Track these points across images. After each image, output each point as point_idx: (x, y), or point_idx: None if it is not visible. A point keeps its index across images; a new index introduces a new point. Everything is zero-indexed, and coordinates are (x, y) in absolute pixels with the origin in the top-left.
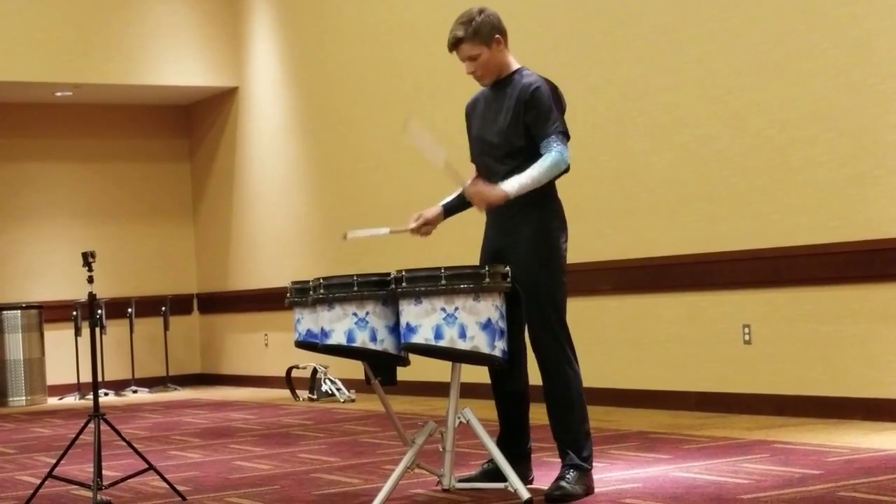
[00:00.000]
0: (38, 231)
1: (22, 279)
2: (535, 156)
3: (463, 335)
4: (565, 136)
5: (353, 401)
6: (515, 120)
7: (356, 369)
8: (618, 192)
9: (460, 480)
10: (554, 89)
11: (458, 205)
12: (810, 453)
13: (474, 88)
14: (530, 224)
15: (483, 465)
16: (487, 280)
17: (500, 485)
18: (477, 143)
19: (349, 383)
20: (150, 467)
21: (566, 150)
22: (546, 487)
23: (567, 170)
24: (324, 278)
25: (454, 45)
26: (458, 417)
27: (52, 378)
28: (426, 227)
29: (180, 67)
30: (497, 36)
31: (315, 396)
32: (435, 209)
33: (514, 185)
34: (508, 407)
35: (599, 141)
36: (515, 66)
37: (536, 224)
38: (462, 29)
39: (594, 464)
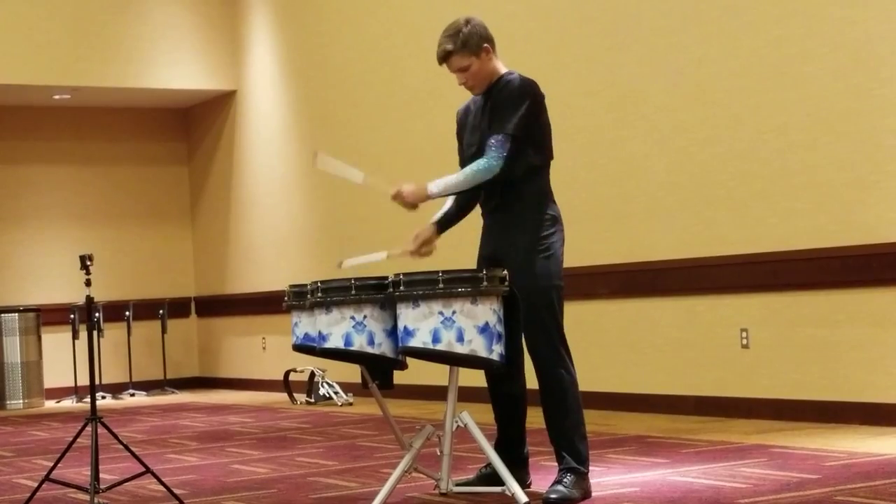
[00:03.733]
0: (35, 234)
1: (20, 282)
2: (522, 151)
3: (461, 339)
4: (511, 138)
5: (350, 404)
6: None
7: (354, 373)
8: (616, 195)
9: (458, 484)
10: (529, 84)
11: (450, 218)
12: (808, 458)
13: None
14: (527, 231)
15: (480, 469)
16: (485, 284)
17: (498, 489)
18: (468, 149)
19: (347, 387)
20: (148, 471)
21: (500, 157)
22: (543, 491)
23: (496, 175)
24: (321, 282)
25: (444, 58)
26: (456, 421)
27: (50, 381)
28: (425, 248)
29: (178, 70)
30: (485, 45)
31: (313, 400)
32: (428, 227)
33: (438, 185)
34: (505, 411)
35: (598, 144)
36: (503, 70)
37: (533, 231)
38: (450, 42)
39: (591, 468)
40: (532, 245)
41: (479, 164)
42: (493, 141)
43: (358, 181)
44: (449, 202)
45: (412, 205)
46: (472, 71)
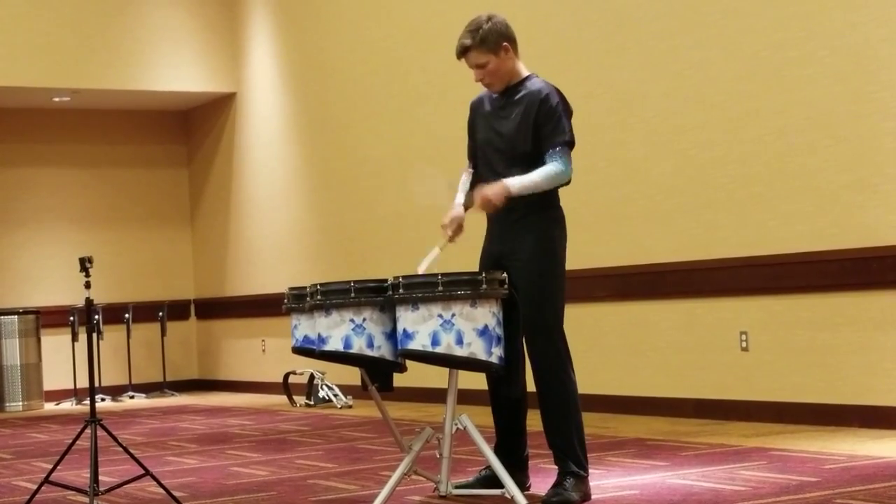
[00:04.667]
0: (35, 236)
1: (19, 284)
2: (539, 161)
3: (460, 342)
4: (570, 146)
5: (350, 407)
6: (524, 126)
7: (353, 375)
8: (616, 198)
9: (457, 487)
10: (562, 97)
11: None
12: (807, 460)
13: (474, 94)
14: (532, 231)
15: (480, 472)
16: (484, 287)
17: (497, 491)
18: (483, 147)
19: (346, 389)
20: (147, 473)
21: (569, 163)
22: (543, 494)
23: (568, 182)
24: (321, 284)
25: (462, 53)
26: (456, 424)
27: (49, 383)
28: (460, 231)
29: (178, 73)
30: (505, 44)
31: (312, 402)
32: (458, 211)
33: (516, 183)
34: (506, 414)
35: (598, 147)
36: (525, 73)
37: (538, 231)
38: (469, 37)
39: (591, 470)
40: (539, 246)
41: (557, 168)
42: (559, 149)
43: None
44: (465, 185)
45: (487, 198)
46: (490, 69)
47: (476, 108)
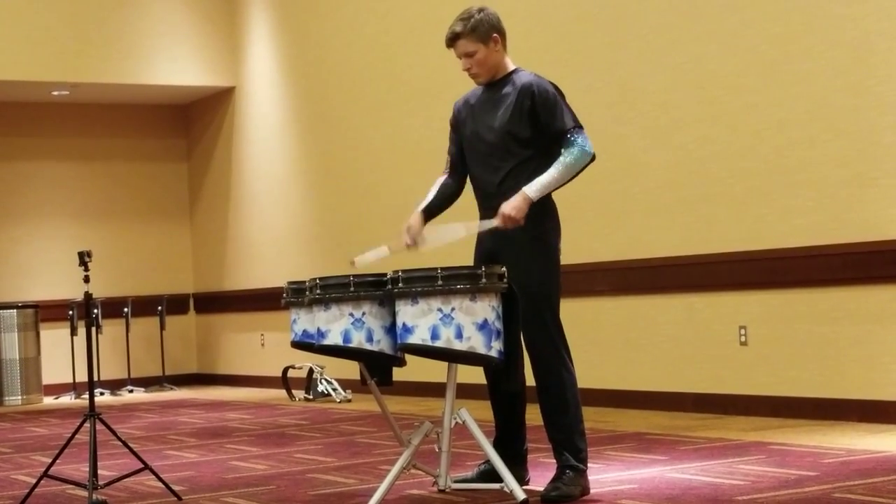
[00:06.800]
0: (34, 230)
1: (19, 278)
2: (541, 148)
3: (459, 335)
4: (581, 126)
5: (349, 401)
6: (518, 116)
7: (352, 369)
8: (615, 192)
9: (456, 481)
10: (552, 84)
11: (434, 207)
12: (806, 455)
13: (471, 88)
14: (525, 224)
15: (479, 466)
16: (484, 280)
17: (496, 485)
18: (473, 142)
19: (345, 383)
20: (146, 467)
21: (587, 141)
22: (542, 488)
23: (593, 158)
24: (320, 278)
25: (451, 40)
26: (455, 418)
27: (48, 377)
28: (419, 239)
29: (177, 67)
30: (495, 35)
31: (311, 396)
32: (416, 216)
33: (534, 188)
34: (504, 408)
35: (596, 141)
36: (512, 66)
37: (531, 224)
38: (461, 25)
39: (590, 465)
40: (532, 241)
41: (573, 154)
42: (571, 131)
43: (386, 254)
44: (432, 192)
45: (514, 219)
46: (478, 58)
47: (460, 106)
